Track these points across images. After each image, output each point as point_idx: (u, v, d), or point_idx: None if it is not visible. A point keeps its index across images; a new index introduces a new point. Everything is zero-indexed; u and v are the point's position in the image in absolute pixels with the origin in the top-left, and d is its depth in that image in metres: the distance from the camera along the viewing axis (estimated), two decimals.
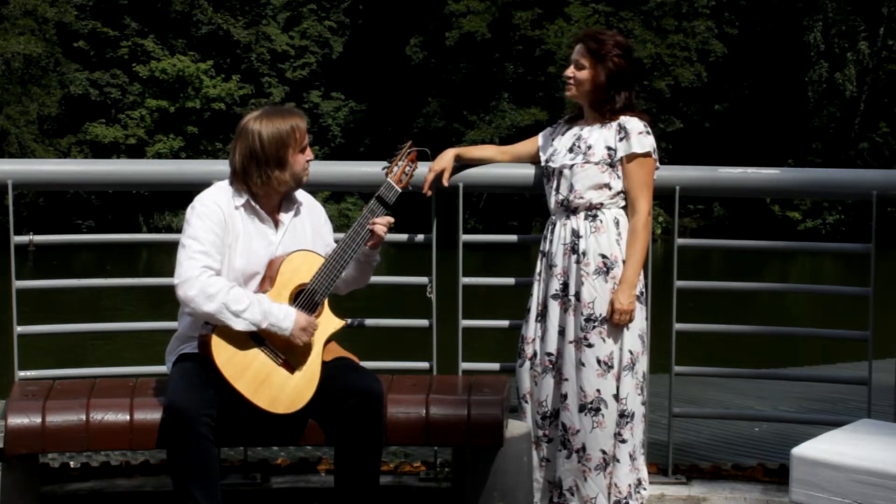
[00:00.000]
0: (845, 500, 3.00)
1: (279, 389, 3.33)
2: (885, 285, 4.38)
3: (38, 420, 3.40)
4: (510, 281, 4.37)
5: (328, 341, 3.49)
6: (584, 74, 3.84)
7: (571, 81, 3.86)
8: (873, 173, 4.68)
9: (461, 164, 4.15)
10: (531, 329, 3.91)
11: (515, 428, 3.74)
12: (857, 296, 4.30)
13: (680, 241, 4.29)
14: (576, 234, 3.80)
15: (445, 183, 4.04)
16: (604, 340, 3.76)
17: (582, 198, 3.80)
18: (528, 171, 4.13)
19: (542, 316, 3.88)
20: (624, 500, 3.79)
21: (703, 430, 6.09)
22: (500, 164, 4.19)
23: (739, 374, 5.88)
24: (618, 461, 3.80)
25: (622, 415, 3.79)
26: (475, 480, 3.66)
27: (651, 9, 35.86)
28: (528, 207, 33.25)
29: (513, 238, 4.61)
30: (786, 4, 36.23)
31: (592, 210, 3.81)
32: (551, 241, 3.88)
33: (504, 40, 35.45)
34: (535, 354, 3.88)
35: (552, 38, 34.47)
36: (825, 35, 35.64)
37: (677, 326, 4.28)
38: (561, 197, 3.85)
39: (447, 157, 4.07)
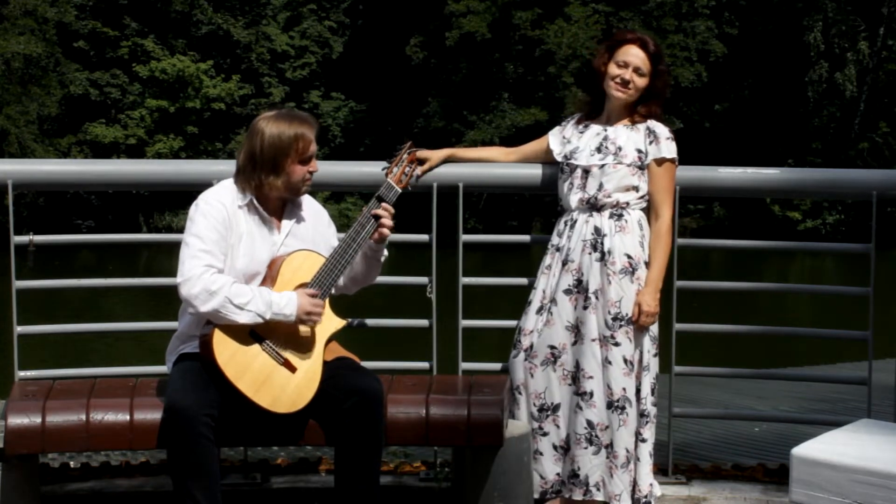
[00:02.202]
0: (845, 500, 3.00)
1: (280, 389, 3.33)
2: (885, 285, 4.37)
3: (38, 420, 3.40)
4: (510, 281, 4.37)
5: (329, 341, 3.49)
6: (642, 83, 3.87)
7: (632, 86, 3.86)
8: (873, 173, 4.68)
9: (460, 161, 4.17)
10: (530, 321, 3.92)
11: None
12: (857, 296, 4.30)
13: (680, 241, 4.28)
14: (598, 232, 3.83)
15: (419, 172, 3.99)
16: (630, 340, 3.79)
17: (610, 197, 3.84)
18: (527, 171, 4.14)
19: (548, 310, 3.88)
20: (644, 500, 3.83)
21: (703, 430, 6.08)
22: (500, 164, 4.19)
23: (739, 374, 5.87)
24: (639, 460, 3.84)
25: (642, 414, 3.83)
26: (475, 480, 3.66)
27: (651, 9, 35.85)
28: (528, 207, 33.26)
29: (513, 238, 4.61)
30: (786, 4, 36.23)
31: (618, 209, 3.83)
32: (569, 237, 3.89)
33: (504, 40, 35.44)
34: (531, 346, 3.89)
35: (552, 38, 34.46)
36: (825, 35, 35.65)
37: (677, 326, 4.28)
38: (588, 195, 3.86)
39: (438, 153, 4.11)
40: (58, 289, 4.55)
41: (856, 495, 2.98)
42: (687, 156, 4.10)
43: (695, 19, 36.24)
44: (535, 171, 4.12)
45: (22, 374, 4.00)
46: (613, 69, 3.88)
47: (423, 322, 4.29)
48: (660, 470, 4.34)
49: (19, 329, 4.07)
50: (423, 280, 4.22)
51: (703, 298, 6.98)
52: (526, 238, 4.70)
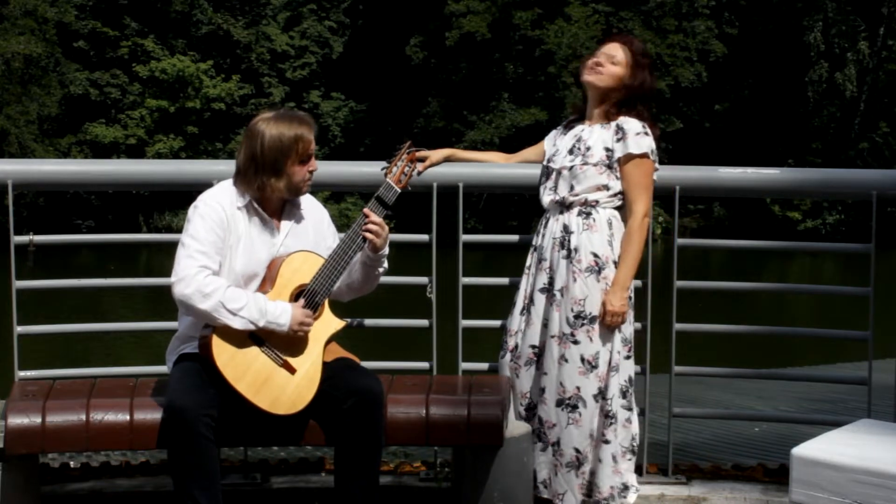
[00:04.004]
0: (845, 500, 3.00)
1: (280, 390, 3.33)
2: (885, 285, 4.37)
3: (38, 420, 3.40)
4: (510, 281, 4.37)
5: (328, 342, 3.48)
6: (616, 69, 3.85)
7: (601, 69, 3.84)
8: (873, 173, 4.67)
9: (460, 161, 4.18)
10: (515, 322, 3.93)
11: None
12: (857, 296, 4.30)
13: (680, 241, 4.29)
14: (566, 230, 3.81)
15: (420, 168, 4.01)
16: (591, 339, 3.76)
17: (578, 196, 3.82)
18: (527, 171, 4.14)
19: (528, 309, 3.89)
20: (604, 502, 3.79)
21: (703, 430, 6.08)
22: (500, 164, 4.20)
23: (739, 374, 5.85)
24: (600, 461, 3.79)
25: (607, 415, 3.79)
26: (475, 480, 3.66)
27: (651, 9, 35.87)
28: (528, 207, 33.22)
29: (513, 238, 4.61)
30: (786, 4, 36.25)
31: (587, 207, 3.81)
32: (543, 236, 3.90)
33: (504, 40, 35.45)
34: (516, 347, 3.90)
35: (552, 38, 34.48)
36: (825, 35, 35.66)
37: (677, 326, 4.28)
38: (558, 197, 3.86)
39: (438, 153, 4.11)
40: (58, 289, 4.55)
41: (856, 495, 2.98)
42: (687, 156, 4.10)
43: (695, 19, 36.26)
44: (534, 172, 4.12)
45: (22, 374, 4.00)
46: (590, 59, 3.90)
47: (423, 322, 4.29)
48: (660, 470, 4.35)
49: (19, 329, 4.07)
50: (423, 280, 4.22)
51: (703, 298, 6.99)
52: (526, 238, 4.70)
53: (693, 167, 4.29)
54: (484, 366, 4.32)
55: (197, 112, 38.10)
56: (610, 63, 3.84)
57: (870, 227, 4.16)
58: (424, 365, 4.29)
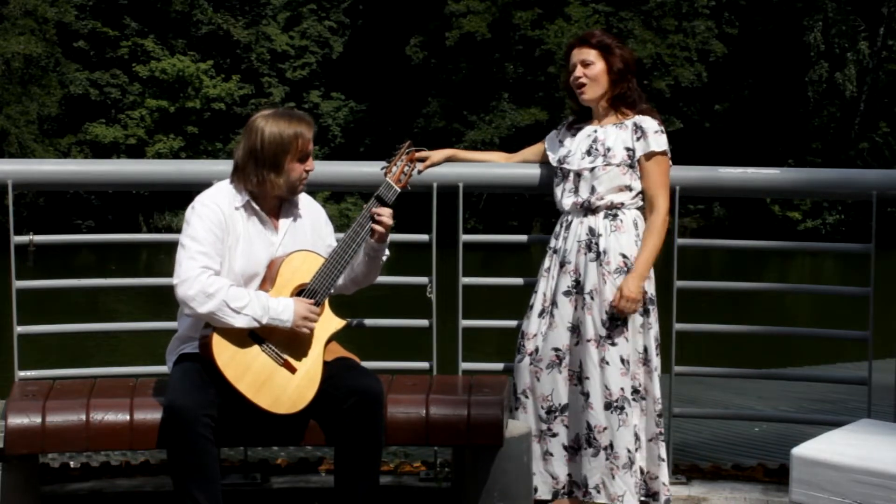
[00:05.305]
0: (845, 500, 3.00)
1: (281, 390, 3.33)
2: (885, 285, 4.37)
3: (38, 420, 3.40)
4: (511, 281, 4.37)
5: (329, 341, 3.49)
6: (595, 70, 3.86)
7: (584, 80, 3.86)
8: (873, 173, 4.67)
9: (460, 161, 4.18)
10: (533, 325, 3.92)
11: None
12: (857, 296, 4.30)
13: (680, 241, 4.29)
14: (593, 233, 3.82)
15: (421, 167, 4.01)
16: (626, 339, 3.78)
17: (603, 199, 3.83)
18: (527, 171, 4.14)
19: (549, 312, 3.88)
20: (666, 499, 3.85)
21: (703, 430, 6.08)
22: (500, 164, 4.20)
23: (739, 374, 5.85)
24: (662, 460, 3.86)
25: (660, 414, 3.86)
26: (475, 480, 3.66)
27: (651, 9, 35.87)
28: (528, 207, 33.27)
29: (513, 238, 4.61)
30: (786, 4, 36.25)
31: (613, 209, 3.83)
32: (565, 239, 3.88)
33: (504, 40, 35.46)
34: (536, 350, 3.89)
35: (552, 38, 34.48)
36: (825, 35, 35.67)
37: (677, 326, 4.28)
38: (581, 199, 3.85)
39: (438, 153, 4.11)
40: (58, 289, 4.55)
41: (856, 495, 2.98)
42: (687, 156, 4.09)
43: (695, 19, 36.26)
44: (534, 172, 4.12)
45: (22, 374, 4.00)
46: (571, 78, 3.91)
47: (423, 322, 4.29)
48: None
49: (19, 329, 4.07)
50: (423, 280, 4.22)
51: (704, 298, 6.99)
52: (526, 238, 4.70)
53: (693, 167, 4.29)
54: (484, 366, 4.33)
55: (197, 112, 38.12)
56: (586, 69, 3.86)
57: (870, 227, 4.16)
58: (424, 365, 4.28)
